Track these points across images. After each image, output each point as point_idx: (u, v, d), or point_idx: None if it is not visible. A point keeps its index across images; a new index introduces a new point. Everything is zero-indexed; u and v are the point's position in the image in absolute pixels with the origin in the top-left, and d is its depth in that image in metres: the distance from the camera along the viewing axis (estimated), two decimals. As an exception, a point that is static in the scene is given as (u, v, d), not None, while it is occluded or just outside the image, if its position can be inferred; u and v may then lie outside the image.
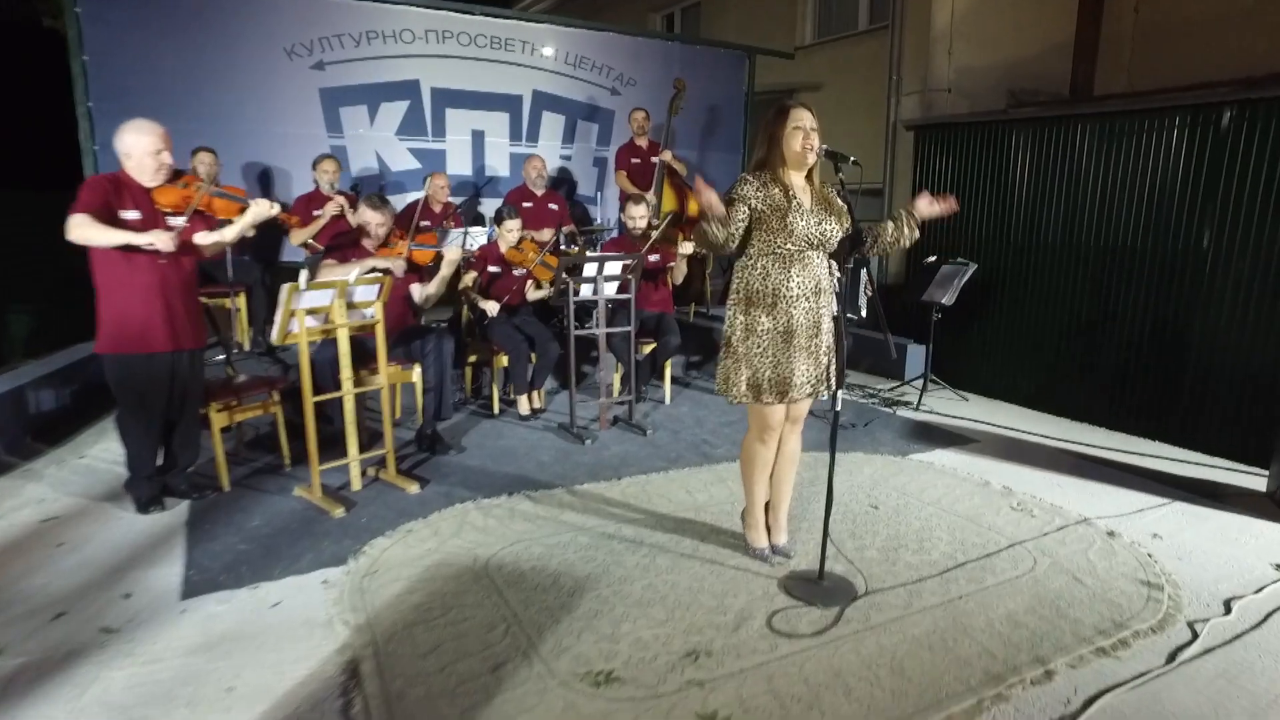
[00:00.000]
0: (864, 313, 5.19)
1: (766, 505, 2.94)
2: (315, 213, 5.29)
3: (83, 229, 2.89)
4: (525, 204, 5.91)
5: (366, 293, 3.48)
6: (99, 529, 3.12)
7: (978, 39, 7.24)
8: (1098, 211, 5.01)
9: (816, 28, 9.02)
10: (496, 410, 4.80)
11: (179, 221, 3.19)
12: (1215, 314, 4.43)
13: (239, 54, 5.50)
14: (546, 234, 6.00)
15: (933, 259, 5.72)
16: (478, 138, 6.46)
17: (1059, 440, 4.61)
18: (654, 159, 6.13)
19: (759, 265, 2.63)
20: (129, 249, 3.00)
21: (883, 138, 7.74)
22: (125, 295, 3.09)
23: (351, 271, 3.58)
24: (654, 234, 4.97)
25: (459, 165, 6.43)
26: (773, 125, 2.62)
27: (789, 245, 2.58)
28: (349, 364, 3.44)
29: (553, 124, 6.73)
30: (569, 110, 6.77)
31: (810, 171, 2.65)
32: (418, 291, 4.27)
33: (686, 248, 4.95)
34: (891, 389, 5.72)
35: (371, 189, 6.15)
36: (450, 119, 6.32)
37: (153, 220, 3.11)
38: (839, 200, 2.67)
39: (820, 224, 2.59)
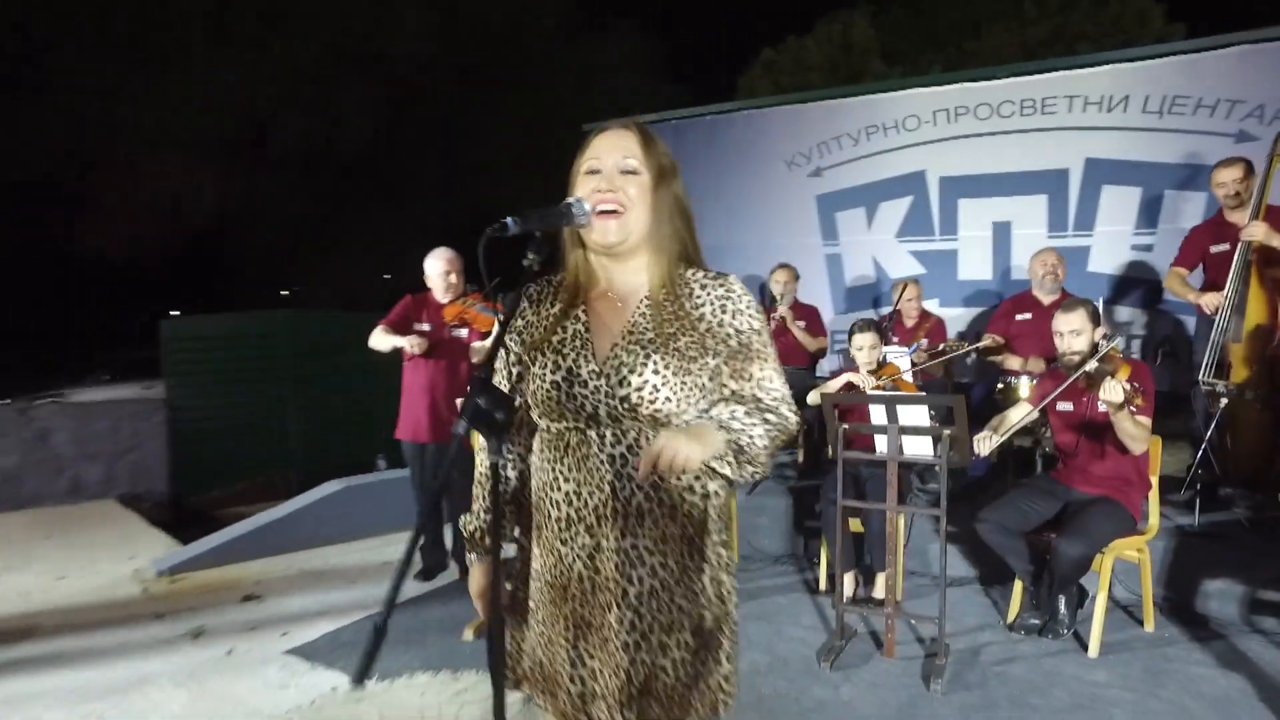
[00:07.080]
0: None
1: None
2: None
3: (372, 337, 3.63)
4: (1020, 315, 4.26)
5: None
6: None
7: None
8: None
9: None
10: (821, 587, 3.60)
11: (461, 332, 3.67)
12: None
13: (744, 171, 5.72)
14: (1037, 366, 4.10)
15: None
16: (1001, 231, 4.96)
17: None
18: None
19: (537, 455, 1.39)
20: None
21: None
22: (406, 393, 3.71)
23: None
24: (1090, 363, 2.89)
25: (975, 268, 5.06)
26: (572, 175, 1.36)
27: (550, 419, 1.31)
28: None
29: (1119, 201, 4.60)
30: (1149, 179, 4.52)
31: (668, 256, 1.31)
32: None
33: (1113, 391, 2.62)
34: None
35: (863, 300, 5.46)
36: (964, 211, 5.05)
37: (439, 331, 3.66)
38: (723, 325, 1.29)
39: (618, 371, 1.25)
